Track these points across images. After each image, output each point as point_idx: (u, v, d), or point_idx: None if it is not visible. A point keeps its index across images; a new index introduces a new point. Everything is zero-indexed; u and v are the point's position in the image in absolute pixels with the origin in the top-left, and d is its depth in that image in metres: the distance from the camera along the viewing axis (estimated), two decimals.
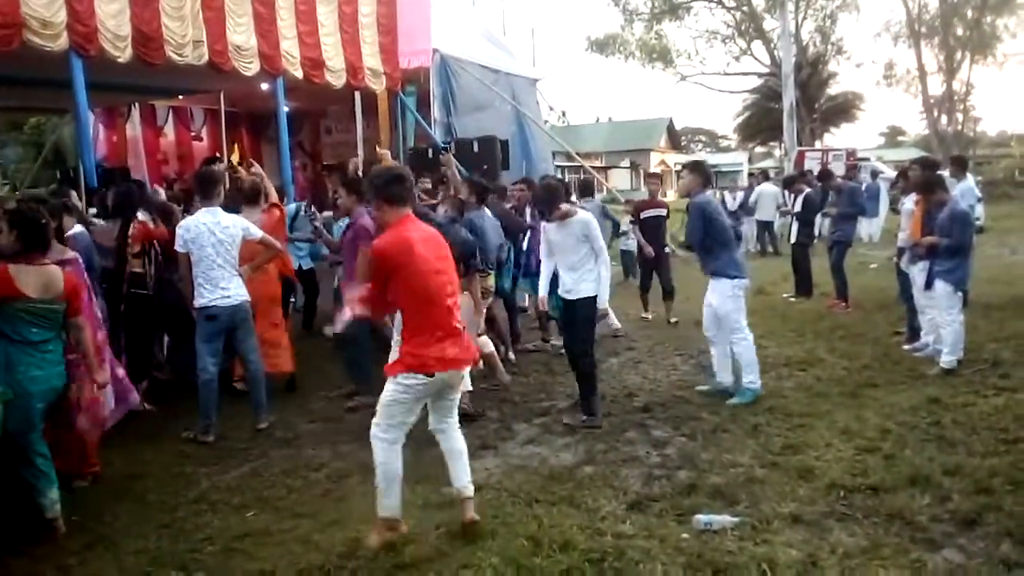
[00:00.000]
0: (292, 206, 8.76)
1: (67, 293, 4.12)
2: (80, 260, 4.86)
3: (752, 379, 5.99)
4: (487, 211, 7.05)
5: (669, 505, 4.16)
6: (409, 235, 3.65)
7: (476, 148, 11.61)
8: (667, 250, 9.26)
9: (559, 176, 11.99)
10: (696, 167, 6.35)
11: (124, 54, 7.48)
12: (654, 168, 43.19)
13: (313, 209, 8.23)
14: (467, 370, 5.65)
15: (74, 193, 6.69)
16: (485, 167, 10.89)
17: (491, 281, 6.82)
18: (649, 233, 9.26)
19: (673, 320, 8.97)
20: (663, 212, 9.44)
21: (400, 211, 3.71)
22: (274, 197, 6.90)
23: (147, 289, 6.14)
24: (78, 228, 5.65)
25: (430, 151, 11.49)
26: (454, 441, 3.96)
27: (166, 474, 4.87)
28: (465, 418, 5.53)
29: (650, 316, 9.29)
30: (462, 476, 3.91)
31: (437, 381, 3.69)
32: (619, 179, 39.18)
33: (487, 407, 6.01)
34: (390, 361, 4.07)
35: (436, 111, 12.35)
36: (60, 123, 16.47)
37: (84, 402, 4.52)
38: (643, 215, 9.36)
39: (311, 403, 6.21)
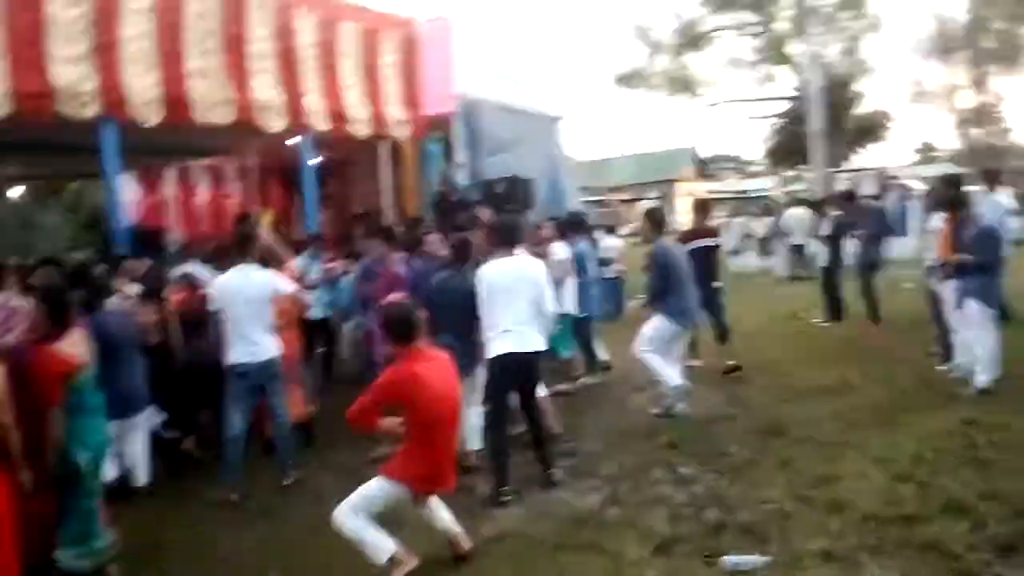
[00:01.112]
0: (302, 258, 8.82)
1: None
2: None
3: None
4: None
5: (697, 546, 4.10)
6: (415, 368, 3.94)
7: (501, 188, 11.74)
8: (716, 286, 8.00)
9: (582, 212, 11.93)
10: (648, 214, 7.00)
11: (154, 118, 7.73)
12: (682, 197, 43.01)
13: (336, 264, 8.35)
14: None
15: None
16: (510, 207, 10.99)
17: None
18: (695, 267, 7.67)
19: (731, 364, 7.77)
20: (715, 242, 8.26)
21: (411, 347, 4.01)
22: (287, 262, 6.96)
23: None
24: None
25: (454, 196, 11.64)
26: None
27: (191, 535, 4.89)
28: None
29: (700, 363, 7.96)
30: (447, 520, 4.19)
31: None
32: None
33: (513, 451, 5.92)
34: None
35: (460, 154, 12.52)
36: (99, 187, 17.02)
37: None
38: (690, 246, 7.85)
39: (335, 455, 6.19)
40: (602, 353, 8.25)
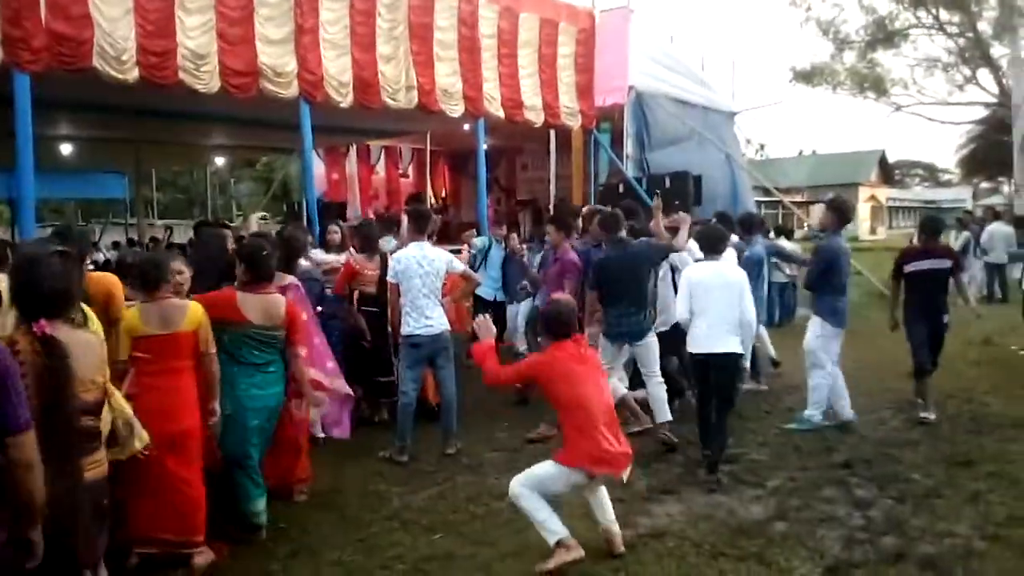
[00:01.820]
0: (482, 239, 9.07)
1: (287, 320, 4.52)
2: (300, 287, 5.32)
3: (812, 412, 6.34)
4: None
5: (872, 573, 3.83)
6: (557, 353, 4.17)
7: (668, 183, 11.51)
8: (946, 320, 6.61)
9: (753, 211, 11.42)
10: (832, 204, 6.70)
11: (346, 99, 8.22)
12: (863, 203, 40.52)
13: (515, 241, 8.45)
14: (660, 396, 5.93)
15: (332, 227, 7.42)
16: (677, 203, 10.75)
17: None
18: (917, 294, 6.67)
19: (927, 417, 6.44)
20: (944, 264, 6.63)
21: (562, 341, 4.20)
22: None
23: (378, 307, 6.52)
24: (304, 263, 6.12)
25: (620, 186, 11.54)
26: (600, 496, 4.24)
27: (363, 490, 5.16)
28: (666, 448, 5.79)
29: (932, 416, 6.44)
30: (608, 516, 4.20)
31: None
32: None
33: (662, 453, 5.83)
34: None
35: (629, 147, 12.40)
36: (287, 161, 18.25)
37: (296, 421, 4.88)
38: (909, 268, 6.70)
39: (495, 432, 6.34)
40: (771, 351, 8.23)
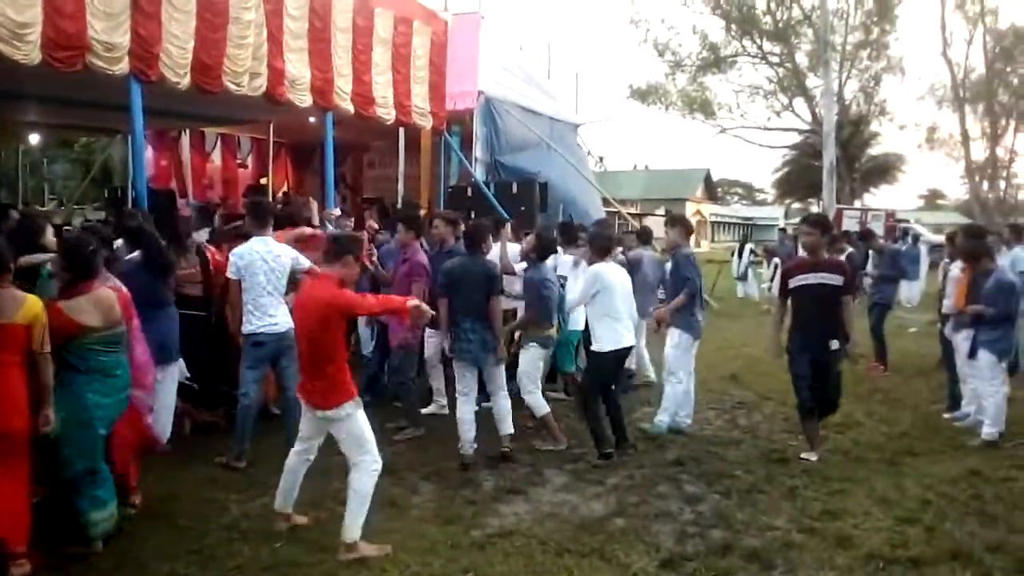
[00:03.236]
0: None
1: (124, 315, 4.21)
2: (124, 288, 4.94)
3: (662, 418, 6.55)
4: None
5: (703, 565, 4.08)
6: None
7: (515, 190, 11.73)
8: (834, 347, 5.76)
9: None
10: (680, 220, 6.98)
11: (183, 81, 7.66)
12: (690, 216, 43.01)
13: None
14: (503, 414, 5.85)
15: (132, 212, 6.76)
16: (523, 209, 10.98)
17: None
18: (800, 316, 5.88)
19: (807, 457, 5.84)
20: (834, 280, 5.74)
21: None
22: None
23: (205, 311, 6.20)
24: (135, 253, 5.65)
25: (469, 190, 11.64)
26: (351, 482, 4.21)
27: (197, 499, 4.88)
28: (502, 459, 5.72)
29: (813, 457, 5.82)
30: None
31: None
32: (654, 228, 39.08)
33: (520, 450, 5.95)
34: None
35: (479, 151, 12.52)
36: (110, 143, 16.90)
37: (131, 422, 4.53)
38: (793, 283, 5.89)
39: None
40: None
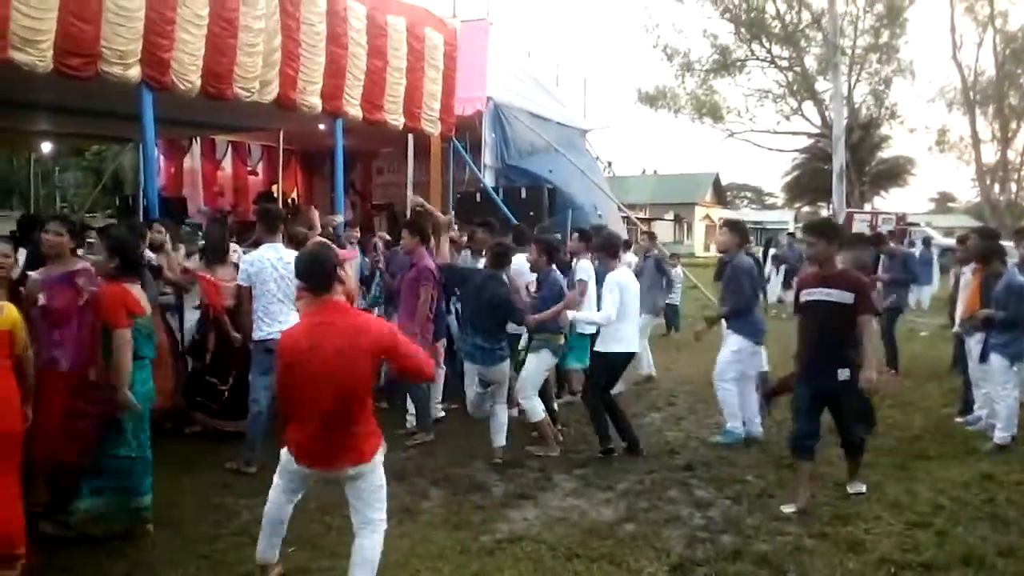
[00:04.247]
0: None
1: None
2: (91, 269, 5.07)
3: (734, 424, 6.47)
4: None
5: (713, 571, 4.07)
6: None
7: (523, 195, 11.76)
8: (843, 377, 4.89)
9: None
10: (735, 226, 6.85)
11: (194, 88, 7.71)
12: (699, 221, 42.94)
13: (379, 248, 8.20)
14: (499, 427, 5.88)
15: (157, 226, 6.79)
16: (531, 214, 11.01)
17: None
18: (805, 337, 5.08)
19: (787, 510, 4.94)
20: (844, 298, 4.85)
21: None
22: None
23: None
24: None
25: (478, 196, 11.67)
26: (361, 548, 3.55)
27: (205, 504, 4.90)
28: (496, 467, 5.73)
29: (792, 508, 4.94)
30: None
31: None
32: (663, 232, 39.12)
33: (527, 456, 5.96)
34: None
35: (487, 157, 12.55)
36: (121, 151, 16.99)
37: None
38: (803, 297, 5.09)
39: None
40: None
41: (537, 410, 6.09)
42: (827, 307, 4.89)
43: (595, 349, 6.20)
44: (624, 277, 6.16)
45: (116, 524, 4.32)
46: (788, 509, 4.89)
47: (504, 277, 6.09)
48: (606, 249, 6.38)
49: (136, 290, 4.35)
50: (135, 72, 7.17)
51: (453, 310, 7.39)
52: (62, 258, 4.50)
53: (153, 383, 4.55)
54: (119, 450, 4.28)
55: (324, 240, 6.13)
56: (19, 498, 3.79)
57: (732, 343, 6.53)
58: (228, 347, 6.22)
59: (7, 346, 3.77)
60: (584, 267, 6.70)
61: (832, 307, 4.87)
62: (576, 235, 7.47)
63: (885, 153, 36.88)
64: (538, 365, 6.16)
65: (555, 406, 6.80)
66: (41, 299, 4.34)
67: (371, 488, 3.55)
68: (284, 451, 3.61)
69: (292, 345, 3.46)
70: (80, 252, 4.94)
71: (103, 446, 4.24)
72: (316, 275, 3.53)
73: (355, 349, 3.36)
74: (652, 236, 10.03)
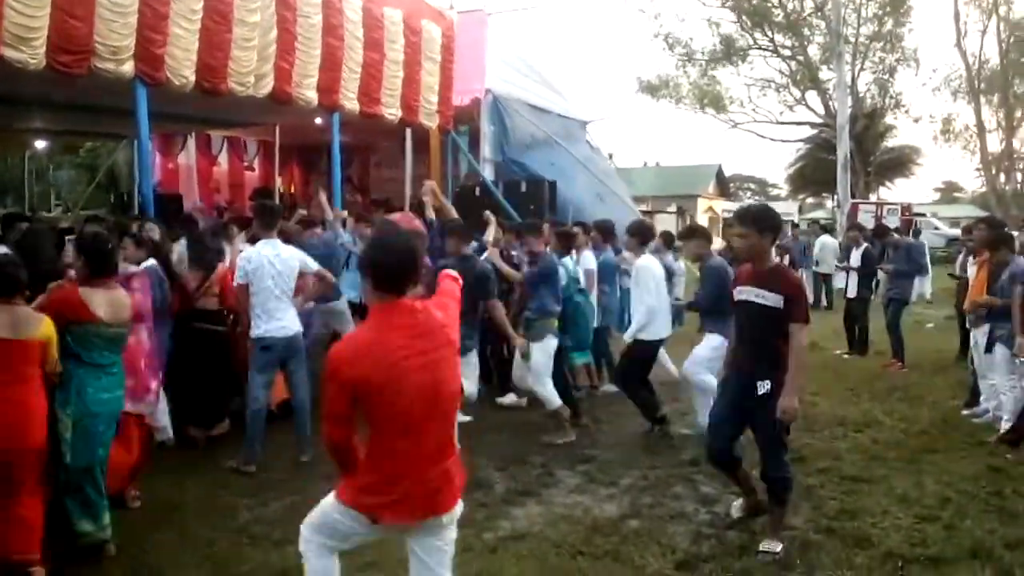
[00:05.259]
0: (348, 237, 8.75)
1: (133, 318, 4.25)
2: (147, 279, 5.00)
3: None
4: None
5: (720, 566, 4.00)
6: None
7: (524, 188, 11.69)
8: (763, 390, 4.13)
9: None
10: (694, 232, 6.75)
11: (188, 83, 7.63)
12: (702, 214, 42.75)
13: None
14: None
15: (151, 224, 6.68)
16: (532, 208, 10.93)
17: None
18: (735, 340, 4.50)
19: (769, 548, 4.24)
20: (774, 301, 4.11)
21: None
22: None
23: (223, 325, 6.17)
24: (151, 261, 5.57)
25: (477, 190, 11.59)
26: None
27: (207, 504, 4.83)
28: None
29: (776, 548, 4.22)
30: None
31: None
32: (665, 225, 38.93)
33: (531, 451, 5.90)
34: None
35: (487, 150, 12.48)
36: (115, 148, 16.92)
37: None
38: (736, 295, 4.38)
39: None
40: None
41: (553, 398, 6.11)
42: (756, 310, 4.17)
43: (635, 337, 6.30)
44: (650, 263, 6.37)
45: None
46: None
47: (471, 253, 6.24)
48: (636, 238, 6.59)
49: (97, 295, 4.04)
50: (129, 68, 7.10)
51: None
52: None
53: (120, 392, 4.20)
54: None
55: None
56: (40, 508, 3.79)
57: (711, 340, 6.18)
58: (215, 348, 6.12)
59: (37, 357, 3.73)
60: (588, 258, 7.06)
61: (761, 311, 4.15)
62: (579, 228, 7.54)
63: (890, 143, 36.71)
64: (544, 351, 6.17)
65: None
66: None
67: (453, 540, 2.81)
68: (335, 505, 2.77)
69: (377, 360, 2.56)
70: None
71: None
72: (407, 273, 2.66)
73: (446, 347, 2.72)
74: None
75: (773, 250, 4.36)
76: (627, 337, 6.40)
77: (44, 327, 3.76)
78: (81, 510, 4.01)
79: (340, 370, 2.55)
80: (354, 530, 2.75)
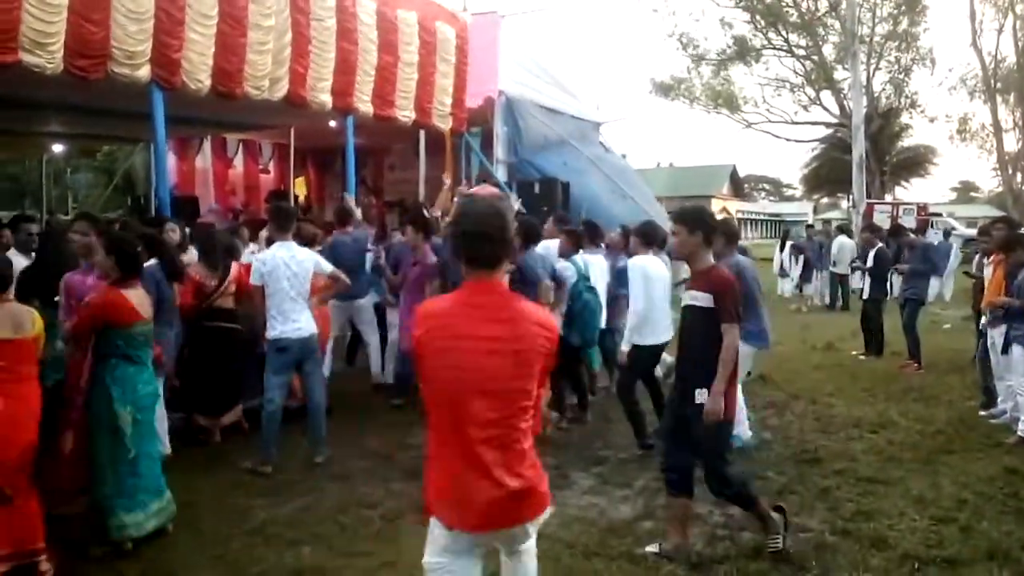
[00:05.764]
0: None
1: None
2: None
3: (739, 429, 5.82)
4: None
5: (734, 568, 3.99)
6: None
7: (537, 189, 11.69)
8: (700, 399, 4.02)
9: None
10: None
11: (204, 87, 7.69)
12: (717, 214, 42.60)
13: (380, 248, 8.18)
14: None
15: (172, 224, 6.75)
16: (545, 208, 10.92)
17: None
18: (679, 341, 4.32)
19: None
20: (704, 303, 4.01)
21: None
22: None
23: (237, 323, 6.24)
24: (151, 261, 5.67)
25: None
26: None
27: (220, 504, 4.87)
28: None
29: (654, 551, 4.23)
30: None
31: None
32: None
33: (545, 452, 5.88)
34: None
35: (500, 151, 12.48)
36: (132, 152, 17.05)
37: None
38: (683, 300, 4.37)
39: (365, 439, 6.16)
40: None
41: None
42: (692, 313, 4.05)
43: (632, 343, 5.90)
44: (647, 263, 5.97)
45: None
46: (650, 549, 4.17)
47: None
48: (642, 235, 6.27)
49: (132, 295, 4.25)
50: (145, 72, 7.16)
51: None
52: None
53: (156, 383, 4.52)
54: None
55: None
56: (38, 500, 3.84)
57: None
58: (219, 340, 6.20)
59: (34, 354, 3.81)
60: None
61: (696, 313, 4.03)
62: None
63: (906, 142, 36.44)
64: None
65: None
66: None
67: (532, 550, 2.64)
68: (434, 522, 2.49)
69: (435, 328, 2.43)
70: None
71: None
72: (493, 241, 2.41)
73: (525, 345, 2.44)
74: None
75: (710, 252, 4.20)
76: (624, 346, 5.95)
77: (38, 324, 3.85)
78: (129, 503, 4.15)
79: (416, 323, 2.47)
80: (450, 542, 2.44)
